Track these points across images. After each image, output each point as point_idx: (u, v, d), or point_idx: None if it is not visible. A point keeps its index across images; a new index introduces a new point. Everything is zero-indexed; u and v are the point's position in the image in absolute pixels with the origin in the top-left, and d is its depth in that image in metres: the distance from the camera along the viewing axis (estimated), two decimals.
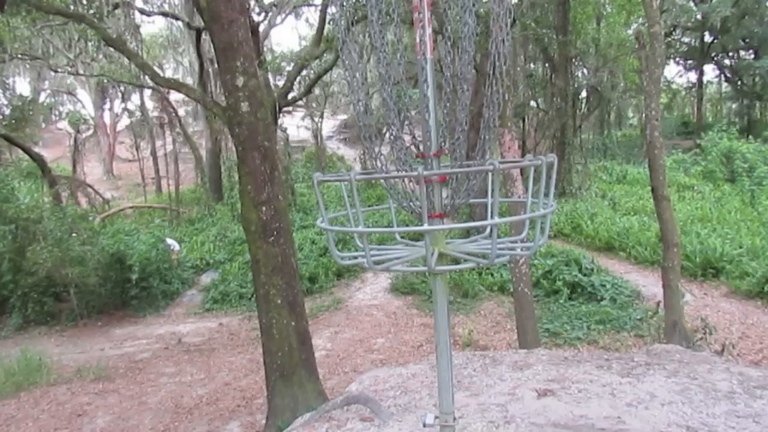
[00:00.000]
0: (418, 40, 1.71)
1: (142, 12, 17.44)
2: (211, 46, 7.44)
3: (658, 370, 3.29)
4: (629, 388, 3.06)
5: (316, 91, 20.49)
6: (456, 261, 2.06)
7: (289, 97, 15.60)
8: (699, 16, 20.07)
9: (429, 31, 1.71)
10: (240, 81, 5.56)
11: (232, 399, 7.91)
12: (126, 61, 14.64)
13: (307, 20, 24.97)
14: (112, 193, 23.88)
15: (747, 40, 21.26)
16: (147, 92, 23.19)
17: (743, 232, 11.92)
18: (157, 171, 23.89)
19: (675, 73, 27.25)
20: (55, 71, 19.72)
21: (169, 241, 14.14)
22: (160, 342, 10.77)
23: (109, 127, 29.11)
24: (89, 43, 15.96)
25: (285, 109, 16.24)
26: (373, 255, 1.85)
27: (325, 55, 14.29)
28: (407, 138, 1.82)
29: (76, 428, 7.23)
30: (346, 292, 12.59)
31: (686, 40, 23.00)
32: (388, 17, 1.80)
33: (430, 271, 1.72)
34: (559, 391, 3.11)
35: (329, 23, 13.16)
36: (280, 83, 16.72)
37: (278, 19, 19.56)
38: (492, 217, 1.67)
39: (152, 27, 29.97)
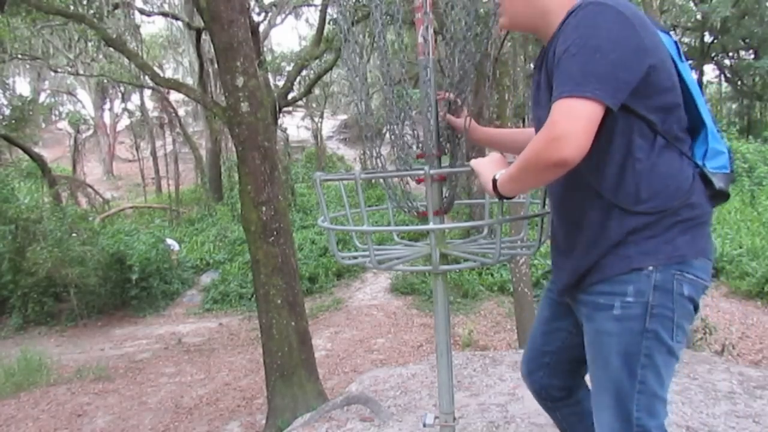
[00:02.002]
0: (420, 40, 1.71)
1: (142, 12, 17.40)
2: (211, 46, 7.44)
3: None
4: None
5: (316, 91, 20.45)
6: (456, 261, 2.06)
7: (289, 97, 15.57)
8: (699, 17, 20.05)
9: (431, 31, 1.71)
10: (240, 81, 5.56)
11: (232, 399, 7.91)
12: (126, 61, 14.62)
13: (307, 20, 24.95)
14: (112, 193, 23.85)
15: (747, 40, 21.23)
16: (147, 92, 23.14)
17: (743, 232, 11.92)
18: (157, 171, 23.85)
19: None
20: (55, 71, 19.69)
21: (169, 241, 14.14)
22: (160, 342, 10.77)
23: (109, 127, 29.07)
24: (89, 43, 15.92)
25: (285, 109, 16.21)
26: (375, 255, 1.85)
27: (325, 55, 14.26)
28: (408, 138, 1.82)
29: (76, 428, 7.23)
30: (346, 292, 12.59)
31: (686, 40, 22.97)
32: (389, 17, 1.80)
33: (434, 271, 1.72)
34: None
35: (329, 23, 13.14)
36: (280, 83, 16.70)
37: (278, 19, 19.55)
38: (494, 216, 1.68)
39: (152, 27, 29.87)
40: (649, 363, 1.31)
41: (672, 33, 1.38)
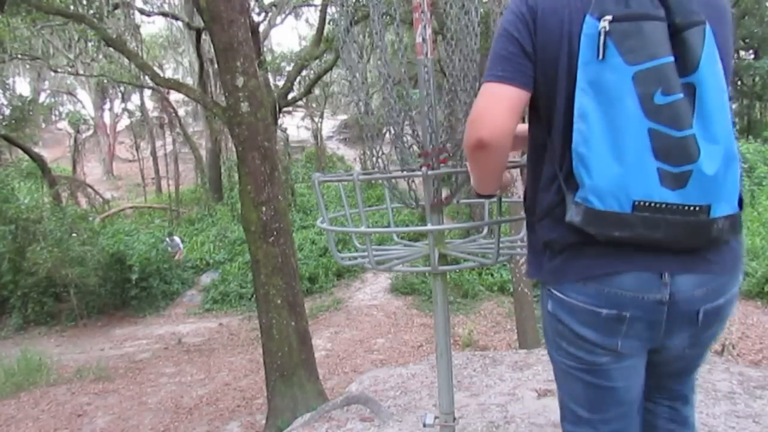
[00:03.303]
0: (418, 39, 1.71)
1: (142, 12, 17.40)
2: (211, 46, 7.44)
3: None
4: None
5: (316, 91, 20.43)
6: (455, 261, 2.06)
7: (289, 97, 15.57)
8: None
9: (429, 30, 1.71)
10: (240, 81, 5.56)
11: (232, 399, 7.91)
12: (126, 61, 14.61)
13: (307, 20, 24.90)
14: (112, 193, 23.85)
15: (747, 40, 21.23)
16: (147, 92, 23.14)
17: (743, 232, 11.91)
18: (157, 171, 23.84)
19: None
20: (55, 71, 19.66)
21: (176, 239, 14.14)
22: (160, 342, 10.77)
23: (109, 128, 29.06)
24: (89, 43, 15.92)
25: (285, 109, 16.21)
26: (374, 255, 1.85)
27: (325, 55, 14.27)
28: (408, 138, 1.82)
29: (76, 428, 7.23)
30: (346, 292, 12.59)
31: None
32: (388, 17, 1.80)
33: (433, 271, 1.72)
34: None
35: (329, 23, 13.14)
36: (280, 83, 16.70)
37: (278, 19, 19.54)
38: (493, 216, 1.68)
39: (152, 27, 29.89)
40: (555, 368, 1.33)
41: (603, 20, 1.05)
